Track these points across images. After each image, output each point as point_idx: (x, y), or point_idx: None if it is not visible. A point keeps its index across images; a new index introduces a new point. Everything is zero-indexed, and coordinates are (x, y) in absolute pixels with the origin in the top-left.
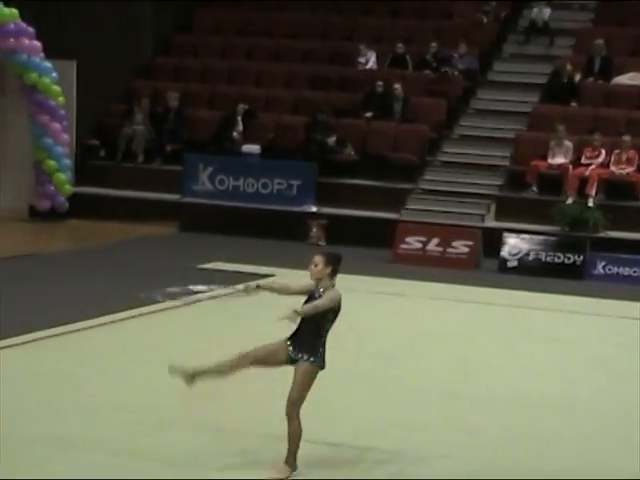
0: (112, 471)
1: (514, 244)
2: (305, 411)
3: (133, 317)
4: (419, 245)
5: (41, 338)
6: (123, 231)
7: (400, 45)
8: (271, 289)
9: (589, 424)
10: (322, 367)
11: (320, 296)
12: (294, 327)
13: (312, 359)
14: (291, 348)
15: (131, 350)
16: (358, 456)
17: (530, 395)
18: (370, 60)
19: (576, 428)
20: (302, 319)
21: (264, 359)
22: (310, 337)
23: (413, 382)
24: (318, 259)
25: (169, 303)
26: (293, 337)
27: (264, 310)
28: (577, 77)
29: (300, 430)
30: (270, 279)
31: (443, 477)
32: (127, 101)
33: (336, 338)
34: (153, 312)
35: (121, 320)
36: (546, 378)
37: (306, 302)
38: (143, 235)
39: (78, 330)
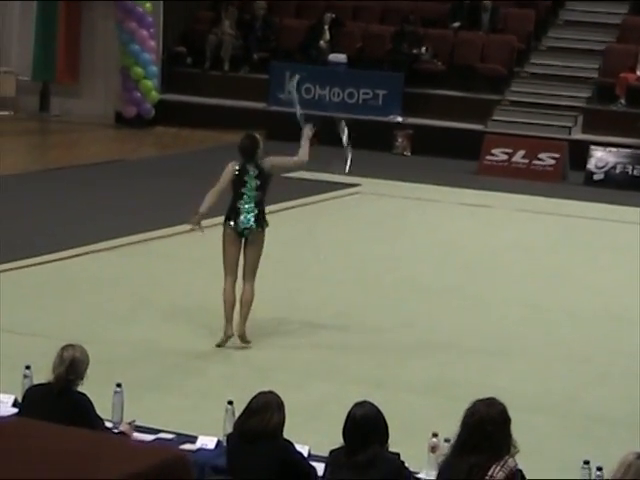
0: (201, 374)
1: (601, 157)
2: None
3: (216, 225)
4: (505, 157)
5: (129, 243)
6: (209, 139)
7: None
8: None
9: None
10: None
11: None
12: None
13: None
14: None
15: (218, 256)
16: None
17: (615, 309)
18: None
19: None
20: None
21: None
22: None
23: (497, 294)
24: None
25: None
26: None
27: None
28: None
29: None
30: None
31: (520, 388)
32: (215, 8)
33: (421, 249)
34: None
35: (207, 227)
36: (631, 292)
37: (237, 179)
38: (229, 143)
39: (165, 236)
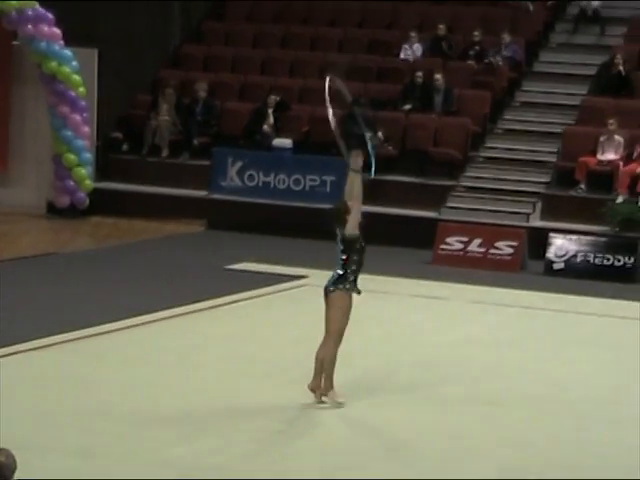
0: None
1: (561, 245)
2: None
3: (155, 320)
4: (460, 246)
5: (61, 342)
6: (147, 229)
7: (441, 27)
8: None
9: None
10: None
11: None
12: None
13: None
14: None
15: (154, 354)
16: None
17: (580, 405)
18: (416, 51)
19: (629, 440)
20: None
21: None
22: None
23: (454, 391)
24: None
25: (192, 306)
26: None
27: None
28: (629, 68)
29: None
30: None
31: None
32: (153, 91)
33: (374, 345)
34: (176, 315)
35: (144, 324)
36: (596, 387)
37: None
38: (168, 233)
39: (99, 334)
